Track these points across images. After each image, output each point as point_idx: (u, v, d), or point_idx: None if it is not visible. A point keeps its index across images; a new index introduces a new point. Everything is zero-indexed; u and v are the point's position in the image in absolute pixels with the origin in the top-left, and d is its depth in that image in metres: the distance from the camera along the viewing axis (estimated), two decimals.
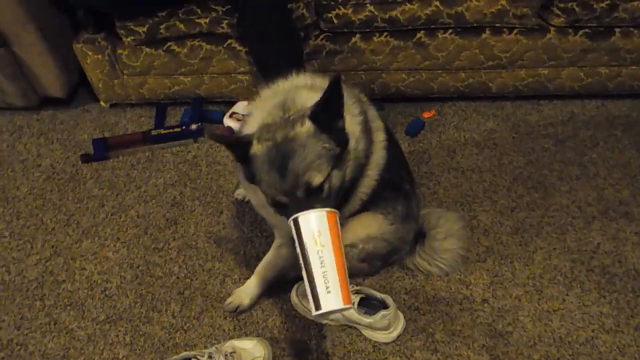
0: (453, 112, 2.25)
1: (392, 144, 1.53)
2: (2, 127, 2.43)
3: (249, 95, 2.30)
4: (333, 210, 1.18)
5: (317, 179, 1.19)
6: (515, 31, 2.01)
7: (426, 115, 2.23)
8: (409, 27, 2.03)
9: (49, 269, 1.87)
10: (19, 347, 1.68)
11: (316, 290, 1.13)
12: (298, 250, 1.17)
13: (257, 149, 1.23)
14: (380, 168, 1.43)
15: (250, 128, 1.30)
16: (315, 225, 1.15)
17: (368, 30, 2.05)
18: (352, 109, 1.33)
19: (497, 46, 2.04)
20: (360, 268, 1.64)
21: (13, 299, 1.80)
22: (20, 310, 1.77)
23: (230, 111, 2.30)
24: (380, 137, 1.43)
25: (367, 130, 1.36)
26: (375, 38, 2.07)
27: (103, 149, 2.24)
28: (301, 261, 1.17)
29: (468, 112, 2.25)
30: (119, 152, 2.25)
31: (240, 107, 2.31)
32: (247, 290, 1.67)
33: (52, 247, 1.94)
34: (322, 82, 1.36)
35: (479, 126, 2.18)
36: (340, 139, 1.24)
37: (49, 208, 2.07)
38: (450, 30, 2.03)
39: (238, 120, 2.26)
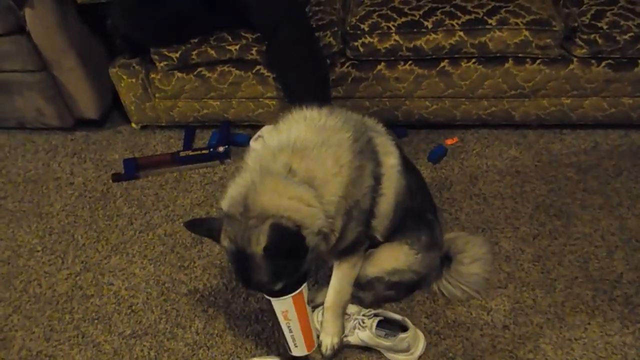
0: (476, 140, 2.28)
1: (411, 173, 1.58)
2: (38, 146, 2.54)
3: (275, 119, 2.36)
4: (299, 291, 1.36)
5: (278, 287, 1.32)
6: (538, 61, 2.04)
7: (449, 142, 2.26)
8: (433, 56, 2.08)
9: (79, 283, 1.93)
10: (47, 358, 1.73)
11: (287, 345, 1.49)
12: (274, 317, 1.43)
13: (224, 242, 1.30)
14: (398, 191, 1.47)
15: (230, 191, 1.33)
16: (282, 307, 1.39)
17: (393, 58, 2.11)
18: (342, 133, 1.34)
19: (520, 76, 2.07)
20: (387, 296, 1.66)
21: (43, 311, 1.86)
22: (49, 323, 1.82)
23: (257, 135, 2.36)
24: (390, 161, 1.45)
25: (370, 154, 1.39)
26: (399, 66, 2.13)
27: (133, 169, 2.31)
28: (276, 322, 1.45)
29: (490, 139, 2.27)
30: (149, 172, 2.32)
31: (266, 131, 2.37)
32: (329, 330, 1.59)
33: (82, 262, 2.00)
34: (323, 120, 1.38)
35: (501, 154, 2.20)
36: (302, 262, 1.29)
37: (80, 225, 2.15)
38: (473, 60, 2.07)
39: None
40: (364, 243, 1.51)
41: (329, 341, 1.56)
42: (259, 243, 1.22)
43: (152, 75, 2.30)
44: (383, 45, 2.07)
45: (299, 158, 1.28)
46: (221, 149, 2.31)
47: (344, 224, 1.35)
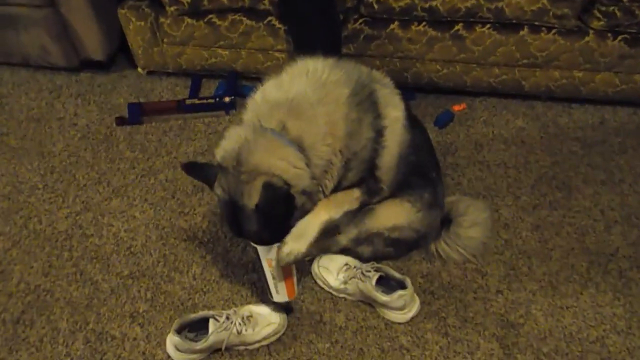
0: (483, 107, 2.27)
1: (417, 129, 1.58)
2: (42, 85, 2.51)
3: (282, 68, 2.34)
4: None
5: (265, 238, 1.38)
6: (553, 31, 2.01)
7: (456, 108, 2.25)
8: (448, 19, 2.04)
9: (79, 222, 1.94)
10: (45, 292, 1.75)
11: (269, 291, 1.52)
12: (259, 263, 1.48)
13: (217, 191, 1.37)
14: (401, 144, 1.48)
15: (225, 142, 1.37)
16: (268, 255, 1.43)
17: (407, 18, 2.08)
18: (342, 89, 1.37)
19: (534, 45, 2.05)
20: (385, 252, 1.67)
21: (42, 247, 1.87)
22: (48, 259, 1.84)
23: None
24: (394, 113, 1.46)
25: (370, 106, 1.40)
26: (413, 27, 2.09)
27: (138, 114, 2.30)
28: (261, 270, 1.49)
29: (498, 108, 2.26)
30: (153, 118, 2.31)
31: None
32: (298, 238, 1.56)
33: (83, 202, 2.01)
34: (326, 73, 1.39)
35: (508, 123, 2.19)
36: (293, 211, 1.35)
37: (82, 165, 2.14)
38: (488, 25, 2.04)
39: None
40: (369, 190, 1.53)
41: (293, 247, 1.39)
42: (250, 198, 1.29)
43: (162, 20, 2.26)
44: (398, 4, 2.03)
45: (294, 116, 1.33)
46: (227, 99, 2.29)
47: (343, 173, 1.41)
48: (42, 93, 2.47)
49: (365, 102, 1.39)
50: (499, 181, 1.97)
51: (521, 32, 2.03)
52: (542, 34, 2.02)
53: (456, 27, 2.06)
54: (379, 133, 1.42)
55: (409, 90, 2.32)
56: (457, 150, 2.10)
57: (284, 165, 1.29)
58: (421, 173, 1.60)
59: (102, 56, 2.44)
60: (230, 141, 1.35)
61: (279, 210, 1.31)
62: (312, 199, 1.38)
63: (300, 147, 1.32)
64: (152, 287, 1.74)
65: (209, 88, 2.45)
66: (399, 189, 1.56)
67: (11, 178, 2.11)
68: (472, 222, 1.70)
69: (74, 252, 1.86)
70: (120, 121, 2.30)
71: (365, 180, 1.49)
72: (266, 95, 1.40)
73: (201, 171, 1.43)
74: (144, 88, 2.47)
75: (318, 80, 1.37)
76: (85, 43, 2.39)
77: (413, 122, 1.57)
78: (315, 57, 1.45)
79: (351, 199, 1.52)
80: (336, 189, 1.46)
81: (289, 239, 1.39)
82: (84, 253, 1.85)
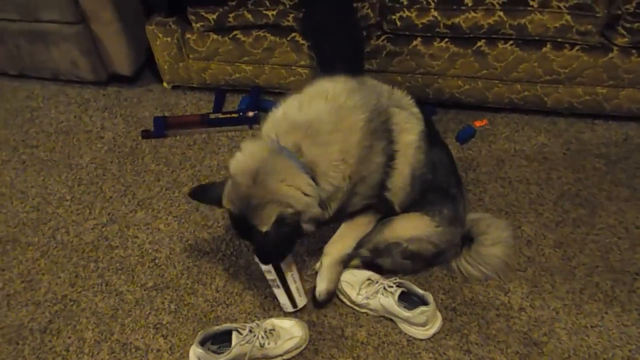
0: (505, 123, 2.27)
1: (437, 147, 1.60)
2: (71, 98, 2.58)
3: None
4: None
5: (270, 253, 1.46)
6: (576, 47, 2.01)
7: (478, 123, 2.25)
8: (470, 35, 2.06)
9: (104, 234, 1.98)
10: (72, 302, 1.78)
11: (293, 296, 1.63)
12: (275, 275, 1.58)
13: (226, 204, 1.45)
14: (414, 166, 1.50)
15: (241, 156, 1.43)
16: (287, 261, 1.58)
17: (429, 34, 2.09)
18: (358, 114, 1.40)
19: (556, 61, 2.05)
20: (402, 265, 1.68)
21: (70, 258, 1.91)
22: (75, 270, 1.88)
23: None
24: (407, 138, 1.49)
25: (383, 133, 1.43)
26: (435, 43, 2.11)
27: (163, 127, 2.34)
28: (278, 281, 1.59)
29: (520, 124, 2.26)
30: (177, 132, 2.35)
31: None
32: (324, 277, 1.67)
33: (109, 214, 2.05)
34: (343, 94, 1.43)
35: (530, 139, 2.19)
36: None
37: (108, 178, 2.19)
38: (511, 42, 2.05)
39: None
40: (378, 211, 1.58)
41: (323, 287, 1.63)
42: (261, 222, 1.37)
43: (188, 36, 2.31)
44: (421, 21, 2.05)
45: (310, 140, 1.37)
46: (250, 114, 2.32)
47: (347, 198, 1.45)
48: (71, 107, 2.54)
49: (379, 129, 1.43)
50: (521, 197, 1.97)
51: (544, 49, 2.03)
52: (565, 51, 2.02)
53: (478, 44, 2.07)
54: (390, 157, 1.46)
55: (430, 105, 2.33)
56: (479, 166, 2.10)
57: (297, 194, 1.35)
58: (440, 190, 1.61)
59: (129, 71, 2.50)
60: (247, 157, 1.41)
61: (287, 238, 1.41)
62: (316, 223, 1.45)
63: (313, 172, 1.37)
64: (176, 299, 1.76)
65: (232, 103, 2.49)
66: (417, 205, 1.58)
67: (40, 190, 2.17)
68: (494, 241, 1.70)
69: (99, 263, 1.90)
70: (146, 134, 2.35)
71: (373, 204, 1.53)
72: (287, 113, 1.44)
73: (206, 193, 1.52)
74: (168, 102, 2.52)
75: (336, 104, 1.41)
76: (113, 58, 2.46)
77: (433, 139, 1.59)
78: (336, 78, 1.49)
79: (364, 228, 1.60)
80: (340, 211, 1.50)
81: (318, 281, 1.60)
82: (109, 264, 1.89)
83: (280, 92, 2.43)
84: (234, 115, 2.35)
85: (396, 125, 1.46)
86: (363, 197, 1.49)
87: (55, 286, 1.84)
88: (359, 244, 1.62)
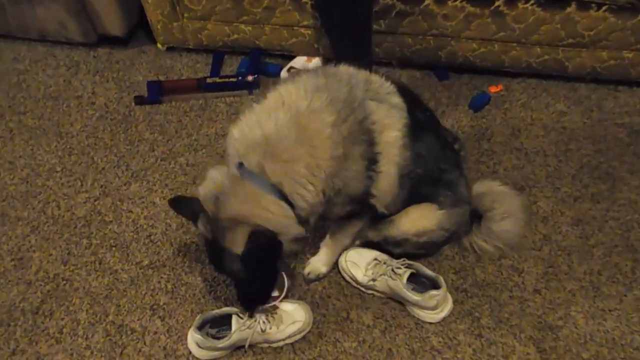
0: (522, 89, 2.12)
1: (424, 135, 1.39)
2: (59, 61, 2.43)
3: (310, 50, 2.23)
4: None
5: (248, 278, 1.31)
6: (604, 8, 1.85)
7: (493, 89, 2.11)
8: None
9: (97, 208, 1.89)
10: (64, 282, 1.70)
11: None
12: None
13: (200, 227, 1.32)
14: (401, 164, 1.33)
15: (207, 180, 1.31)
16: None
17: None
18: (324, 119, 1.22)
19: (581, 23, 1.89)
20: (417, 253, 1.58)
21: (61, 234, 1.83)
22: (67, 246, 1.79)
23: (289, 65, 2.24)
24: (390, 135, 1.30)
25: (361, 135, 1.26)
26: (450, 2, 1.95)
27: (157, 93, 2.21)
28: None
29: (538, 90, 2.11)
30: (173, 97, 2.22)
31: (298, 62, 2.25)
32: (323, 260, 1.62)
33: (102, 186, 1.95)
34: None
35: (548, 107, 2.06)
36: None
37: (100, 147, 2.08)
38: (532, 1, 1.88)
39: None
40: (361, 216, 1.47)
41: (317, 266, 1.59)
42: (234, 243, 1.24)
43: None
44: None
45: (272, 159, 1.22)
46: (250, 78, 2.19)
47: (326, 210, 1.32)
48: (60, 70, 2.40)
49: (354, 132, 1.24)
50: (537, 170, 1.85)
51: (568, 9, 1.87)
52: (592, 11, 1.86)
53: (497, 3, 1.91)
54: (372, 160, 1.29)
55: (442, 69, 2.19)
56: (493, 135, 1.97)
57: (266, 214, 1.23)
58: (434, 180, 1.44)
59: (120, 31, 2.35)
60: (210, 184, 1.29)
61: (266, 258, 1.27)
62: (302, 242, 1.35)
63: (282, 193, 1.23)
64: (173, 279, 1.68)
65: (231, 65, 2.34)
66: (410, 203, 1.45)
67: (29, 160, 2.06)
68: (503, 215, 1.58)
69: (92, 239, 1.81)
70: (139, 100, 2.22)
71: (358, 211, 1.41)
72: (243, 131, 1.27)
73: (185, 207, 1.37)
74: (163, 65, 2.38)
75: (296, 111, 1.22)
76: (103, 18, 2.30)
77: (418, 126, 1.37)
78: (298, 78, 1.31)
79: (350, 234, 1.52)
80: (322, 222, 1.40)
81: (313, 259, 1.52)
82: (102, 241, 1.80)
83: (282, 55, 2.29)
84: (232, 79, 2.21)
85: (376, 123, 1.27)
86: (344, 206, 1.35)
87: (46, 264, 1.76)
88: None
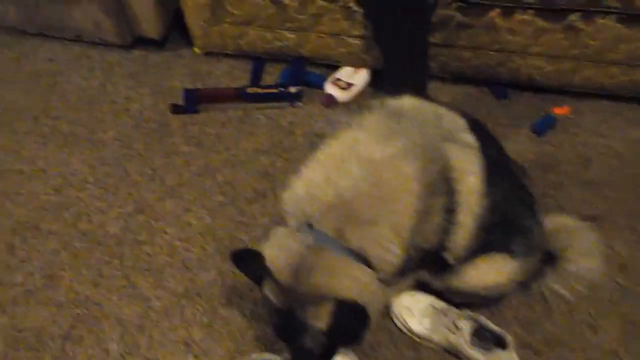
0: (592, 112, 1.93)
1: (499, 181, 1.22)
2: (94, 62, 2.33)
3: (357, 61, 2.07)
4: None
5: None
6: None
7: (558, 111, 1.93)
8: (563, 7, 1.70)
9: (130, 226, 1.78)
10: (95, 306, 1.60)
11: None
12: None
13: (269, 294, 1.15)
14: (478, 214, 1.17)
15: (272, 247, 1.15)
16: None
17: (512, 4, 1.75)
18: (405, 170, 1.07)
19: None
20: (482, 304, 1.44)
21: (93, 252, 1.72)
22: (98, 266, 1.69)
23: (333, 77, 2.10)
24: (470, 182, 1.15)
25: (442, 185, 1.11)
26: (517, 15, 1.77)
27: (194, 101, 2.09)
28: None
29: (611, 114, 1.92)
30: (210, 106, 2.09)
31: (345, 73, 2.10)
32: None
33: (135, 202, 1.84)
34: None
35: (623, 133, 1.86)
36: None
37: (134, 158, 1.97)
38: (613, 16, 1.69)
39: (341, 88, 2.06)
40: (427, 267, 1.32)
41: None
42: (317, 318, 1.09)
43: None
44: None
45: (352, 223, 1.07)
46: (293, 89, 2.05)
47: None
48: (95, 72, 2.30)
49: (435, 182, 1.09)
50: (612, 208, 1.67)
51: None
52: None
53: (571, 18, 1.72)
54: (450, 211, 1.14)
55: (501, 87, 2.01)
56: (560, 164, 1.79)
57: (352, 284, 1.08)
58: (509, 225, 1.27)
59: (157, 34, 2.23)
60: (282, 252, 1.12)
61: (353, 333, 1.12)
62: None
63: (365, 258, 1.09)
64: (209, 311, 1.56)
65: (271, 74, 2.20)
66: (485, 248, 1.27)
67: (62, 168, 1.96)
68: (582, 253, 1.42)
69: (124, 260, 1.70)
70: (176, 109, 2.10)
71: (427, 263, 1.26)
72: (312, 189, 1.11)
73: (251, 265, 1.20)
74: (200, 70, 2.25)
75: (371, 163, 1.07)
76: (139, 19, 2.18)
77: (493, 164, 1.20)
78: (361, 120, 1.15)
79: (410, 283, 1.37)
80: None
81: None
82: (135, 262, 1.69)
83: (326, 65, 2.14)
84: (273, 90, 2.07)
85: (456, 170, 1.13)
86: (416, 261, 1.19)
87: (77, 285, 1.66)
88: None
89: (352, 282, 1.07)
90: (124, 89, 2.21)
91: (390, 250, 1.08)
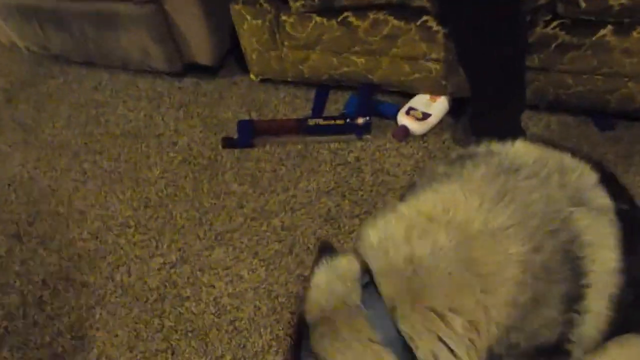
0: None
1: (633, 248, 0.89)
2: (142, 92, 2.16)
3: (435, 88, 1.80)
4: None
5: None
6: None
7: None
8: None
9: (173, 278, 1.55)
10: None
11: None
12: None
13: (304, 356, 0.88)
14: (613, 296, 0.87)
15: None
16: None
17: (629, 20, 1.44)
18: (517, 243, 0.79)
19: None
20: None
21: (130, 309, 1.50)
22: (136, 326, 1.46)
23: (407, 106, 1.83)
24: (604, 259, 0.84)
25: (565, 263, 0.81)
26: (635, 33, 1.46)
27: (249, 134, 1.87)
28: None
29: None
30: (267, 140, 1.86)
31: (420, 101, 1.83)
32: None
33: (180, 249, 1.61)
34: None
35: None
36: None
37: (180, 199, 1.75)
38: None
39: (416, 118, 1.79)
40: None
41: None
42: None
43: (284, 18, 1.79)
44: (619, 1, 1.40)
45: (410, 302, 0.80)
46: (361, 120, 1.79)
47: None
48: (141, 102, 2.12)
49: (554, 264, 0.80)
50: None
51: None
52: None
53: None
54: (575, 299, 0.84)
55: (605, 117, 1.70)
56: None
57: None
58: None
59: (209, 60, 2.04)
60: (321, 293, 0.89)
61: None
62: None
63: (408, 349, 0.81)
64: None
65: (336, 103, 1.96)
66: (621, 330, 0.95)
67: (101, 210, 1.77)
68: None
69: (165, 319, 1.46)
70: (228, 142, 1.88)
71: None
72: (384, 242, 0.85)
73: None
74: (256, 99, 2.03)
75: (466, 234, 0.81)
76: (190, 45, 2.00)
77: (627, 225, 0.88)
78: (464, 174, 0.89)
79: None
80: None
81: None
82: (177, 323, 1.45)
83: (398, 92, 1.87)
84: (339, 121, 1.82)
85: (587, 247, 0.83)
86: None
87: (110, 348, 1.43)
88: None
89: None
90: (172, 121, 2.02)
91: (451, 349, 0.79)
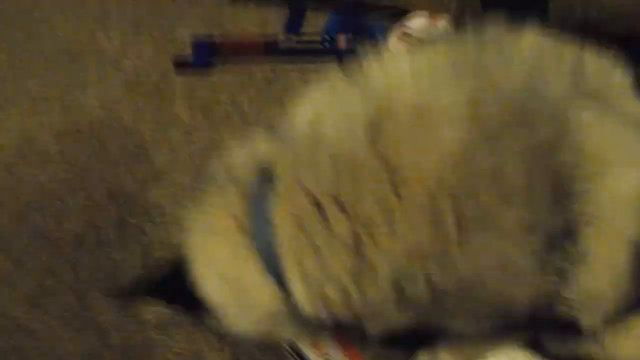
0: None
1: None
2: (85, 5, 1.86)
3: (435, 4, 1.50)
4: None
5: None
6: None
7: None
8: None
9: (97, 223, 1.28)
10: None
11: None
12: None
13: None
14: (634, 239, 0.64)
15: None
16: None
17: None
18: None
19: None
20: None
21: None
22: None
23: (401, 28, 1.52)
24: (618, 182, 0.63)
25: (547, 177, 0.60)
26: None
27: (207, 54, 1.55)
28: None
29: None
30: (228, 61, 1.56)
31: (415, 23, 1.52)
32: None
33: (108, 190, 1.35)
34: None
35: None
36: None
37: (117, 130, 1.49)
38: None
39: (411, 45, 1.48)
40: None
41: None
42: None
43: None
44: None
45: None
46: (343, 39, 1.48)
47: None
48: (87, 23, 1.82)
49: (509, 165, 0.58)
50: None
51: None
52: None
53: None
54: (558, 237, 0.60)
55: None
56: None
57: None
58: None
59: None
60: None
61: None
62: None
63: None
64: None
65: (315, 25, 1.65)
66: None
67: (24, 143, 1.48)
68: None
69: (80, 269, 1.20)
70: (181, 63, 1.57)
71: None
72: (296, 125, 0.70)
73: None
74: (221, 17, 1.73)
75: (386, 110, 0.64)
76: None
77: None
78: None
79: None
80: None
81: None
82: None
83: (389, 8, 1.56)
84: (316, 41, 1.51)
85: (590, 158, 0.62)
86: (478, 319, 0.68)
87: None
88: None
89: None
90: (118, 38, 1.71)
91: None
